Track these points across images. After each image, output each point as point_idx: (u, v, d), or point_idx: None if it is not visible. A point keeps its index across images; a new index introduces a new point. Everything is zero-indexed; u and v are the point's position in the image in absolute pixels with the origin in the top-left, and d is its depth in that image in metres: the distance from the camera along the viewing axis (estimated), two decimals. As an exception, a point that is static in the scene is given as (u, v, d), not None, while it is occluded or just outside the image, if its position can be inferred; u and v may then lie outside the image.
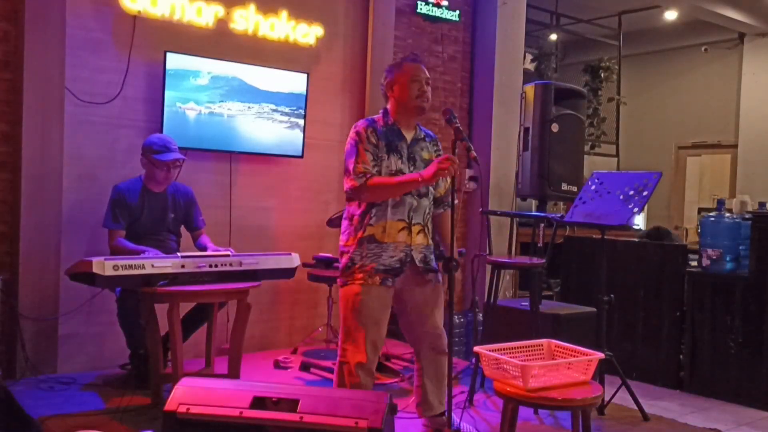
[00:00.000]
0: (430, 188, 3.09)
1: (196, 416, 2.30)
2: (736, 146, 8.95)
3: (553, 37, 8.68)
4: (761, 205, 4.48)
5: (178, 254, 3.54)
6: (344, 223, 3.09)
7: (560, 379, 2.59)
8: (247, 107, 4.54)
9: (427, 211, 3.07)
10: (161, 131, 4.12)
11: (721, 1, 7.73)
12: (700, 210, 9.44)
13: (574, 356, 2.72)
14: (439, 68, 5.84)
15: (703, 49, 9.14)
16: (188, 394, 2.37)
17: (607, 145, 8.84)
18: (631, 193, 3.69)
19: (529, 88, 4.98)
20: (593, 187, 3.92)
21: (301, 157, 4.84)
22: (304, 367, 4.24)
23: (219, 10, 4.47)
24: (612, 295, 3.80)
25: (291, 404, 2.30)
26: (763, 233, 4.07)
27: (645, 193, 3.65)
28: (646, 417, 3.67)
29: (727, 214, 4.31)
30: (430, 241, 3.12)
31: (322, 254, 4.55)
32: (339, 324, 3.13)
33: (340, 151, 3.79)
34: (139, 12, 4.17)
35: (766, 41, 8.63)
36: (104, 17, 4.15)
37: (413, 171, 2.99)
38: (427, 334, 3.09)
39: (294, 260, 3.84)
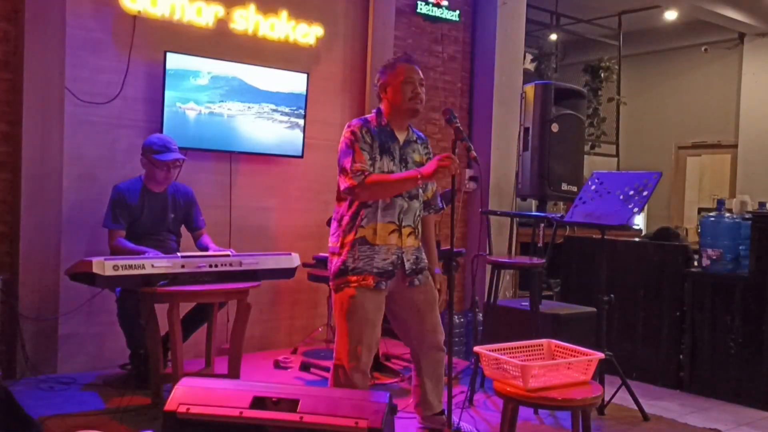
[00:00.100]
0: (420, 190, 3.07)
1: (196, 416, 2.30)
2: (736, 146, 8.96)
3: (553, 37, 8.68)
4: (761, 205, 4.48)
5: (178, 254, 3.54)
6: (333, 224, 3.06)
7: (560, 379, 2.59)
8: (247, 107, 4.54)
9: (417, 213, 3.06)
10: (161, 131, 4.12)
11: (721, 1, 7.73)
12: (700, 210, 9.45)
13: (574, 356, 2.72)
14: (439, 68, 5.84)
15: (703, 49, 9.14)
16: (188, 394, 2.37)
17: (607, 145, 8.84)
18: (631, 193, 3.69)
19: (529, 88, 4.99)
20: (593, 187, 3.92)
21: (301, 157, 4.84)
22: (304, 367, 4.24)
23: (219, 10, 4.47)
24: (612, 295, 3.80)
25: (291, 404, 2.30)
26: (763, 233, 4.07)
27: (645, 193, 3.65)
28: (646, 417, 3.67)
29: (727, 214, 4.31)
30: (420, 243, 3.10)
31: (322, 254, 4.54)
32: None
33: (340, 151, 3.78)
34: (139, 12, 4.18)
35: (766, 41, 8.63)
36: (104, 17, 4.15)
37: None
38: (428, 332, 3.09)
39: (294, 260, 3.84)
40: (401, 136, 3.04)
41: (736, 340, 4.17)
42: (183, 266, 3.39)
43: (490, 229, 4.39)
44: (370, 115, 3.05)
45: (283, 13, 4.75)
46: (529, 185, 4.96)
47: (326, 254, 3.14)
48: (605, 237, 3.86)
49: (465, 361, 4.67)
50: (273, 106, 4.65)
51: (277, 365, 4.37)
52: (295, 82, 4.73)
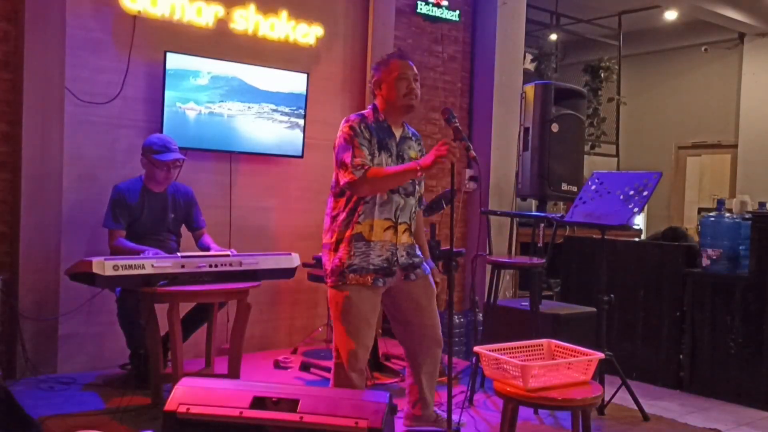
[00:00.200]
0: (417, 187, 3.06)
1: (196, 416, 2.30)
2: (736, 146, 8.96)
3: (553, 37, 8.67)
4: (761, 205, 4.48)
5: (178, 254, 3.54)
6: (327, 220, 3.03)
7: (560, 379, 2.59)
8: (247, 107, 4.54)
9: (413, 210, 3.06)
10: (161, 131, 4.12)
11: (721, 1, 7.73)
12: (700, 210, 9.45)
13: (574, 356, 2.72)
14: (439, 68, 5.84)
15: (703, 49, 9.14)
16: (188, 394, 2.36)
17: (607, 145, 8.84)
18: (631, 193, 3.69)
19: (529, 88, 4.99)
20: (593, 187, 3.92)
21: (301, 157, 4.84)
22: (304, 367, 4.24)
23: (219, 10, 4.47)
24: (612, 295, 3.80)
25: (291, 404, 2.30)
26: (763, 233, 4.07)
27: (645, 193, 3.65)
28: (646, 417, 3.67)
29: (727, 214, 4.31)
30: (413, 240, 3.10)
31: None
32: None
33: (340, 151, 3.78)
34: (139, 12, 4.17)
35: (766, 41, 8.63)
36: (104, 17, 4.15)
37: None
38: (428, 327, 3.09)
39: (294, 260, 3.84)
40: (397, 132, 3.04)
41: (736, 340, 4.17)
42: (183, 266, 3.39)
43: (490, 229, 4.39)
44: (366, 111, 3.03)
45: (283, 13, 4.75)
46: (529, 185, 4.96)
47: (325, 253, 3.13)
48: (605, 237, 3.86)
49: (465, 361, 4.67)
50: (273, 106, 4.65)
51: (277, 365, 4.37)
52: (295, 82, 4.73)
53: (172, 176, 3.87)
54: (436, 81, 5.80)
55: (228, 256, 3.60)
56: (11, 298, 3.79)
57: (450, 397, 2.75)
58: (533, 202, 5.86)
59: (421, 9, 5.62)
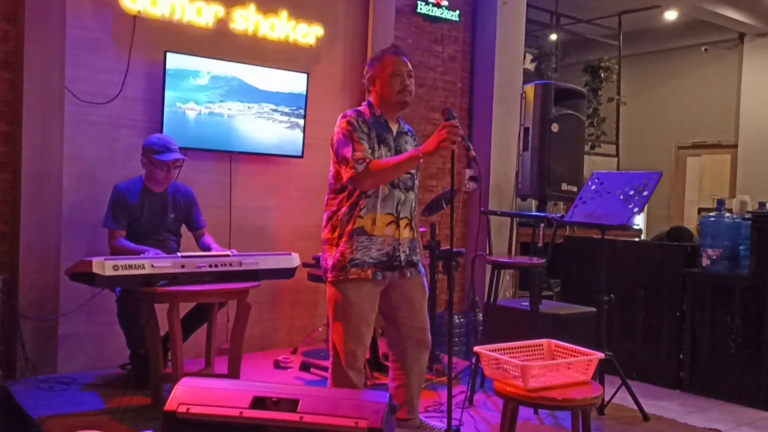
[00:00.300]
0: (416, 183, 3.07)
1: (196, 416, 2.30)
2: (736, 146, 8.96)
3: (553, 37, 8.67)
4: (761, 205, 4.48)
5: (178, 254, 3.54)
6: (326, 215, 3.02)
7: (560, 379, 2.59)
8: (247, 107, 4.54)
9: (413, 205, 3.05)
10: (161, 131, 4.12)
11: (721, 1, 7.73)
12: (700, 210, 9.45)
13: (574, 356, 2.72)
14: (439, 68, 5.84)
15: (703, 49, 9.14)
16: (188, 394, 2.36)
17: (607, 145, 8.84)
18: (631, 193, 3.69)
19: (529, 88, 4.99)
20: (593, 187, 3.92)
21: (301, 157, 4.84)
22: (304, 367, 4.24)
23: (219, 10, 4.47)
24: (612, 295, 3.80)
25: (291, 404, 2.30)
26: (763, 233, 4.07)
27: (645, 193, 3.65)
28: (646, 417, 3.67)
29: (727, 214, 4.31)
30: (416, 235, 3.09)
31: (322, 254, 4.55)
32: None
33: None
34: (139, 12, 4.17)
35: (766, 41, 8.63)
36: (104, 17, 4.15)
37: None
38: (416, 329, 3.09)
39: (294, 260, 3.83)
40: (394, 128, 3.04)
41: (736, 340, 4.17)
42: (183, 266, 3.39)
43: (490, 229, 4.39)
44: (362, 107, 3.03)
45: (283, 13, 4.75)
46: (529, 185, 4.96)
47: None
48: (605, 237, 3.86)
49: (465, 361, 4.67)
50: (273, 106, 4.65)
51: (277, 365, 4.37)
52: (295, 82, 4.73)
53: (172, 176, 3.87)
54: (436, 81, 5.80)
55: (228, 256, 3.60)
56: (11, 298, 3.79)
57: (450, 397, 2.75)
58: (533, 202, 5.86)
59: (421, 9, 5.62)
